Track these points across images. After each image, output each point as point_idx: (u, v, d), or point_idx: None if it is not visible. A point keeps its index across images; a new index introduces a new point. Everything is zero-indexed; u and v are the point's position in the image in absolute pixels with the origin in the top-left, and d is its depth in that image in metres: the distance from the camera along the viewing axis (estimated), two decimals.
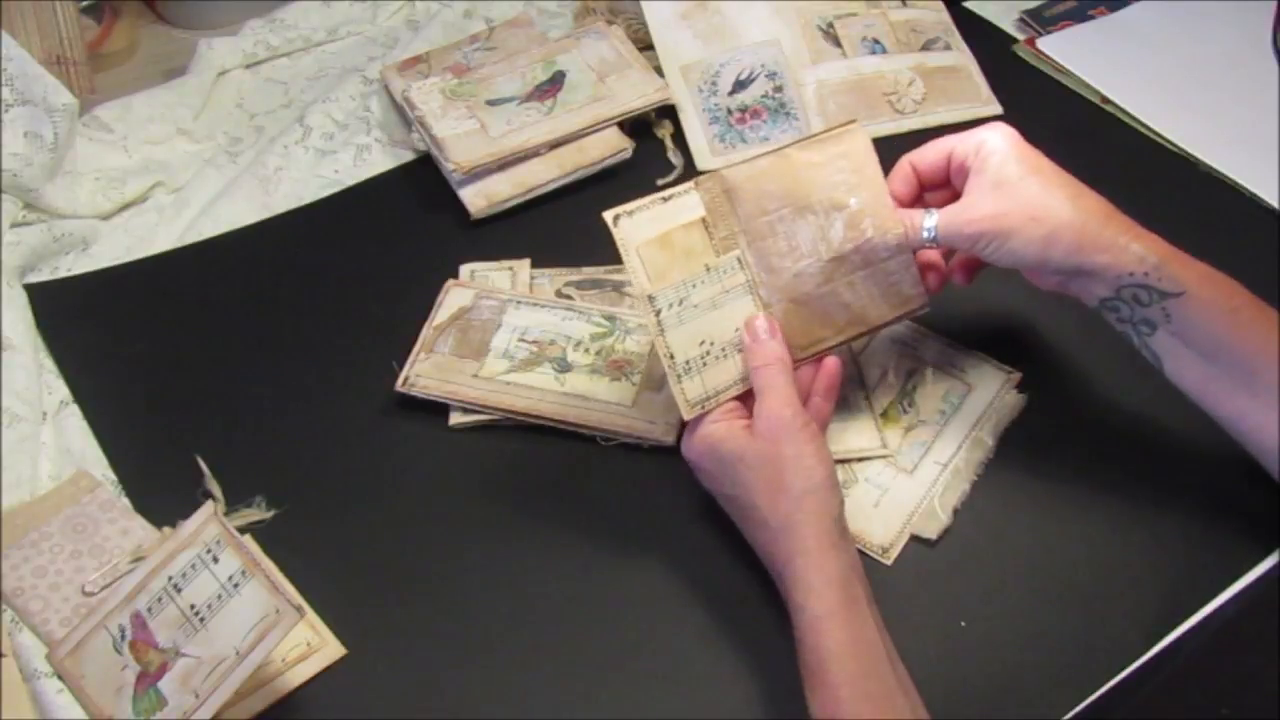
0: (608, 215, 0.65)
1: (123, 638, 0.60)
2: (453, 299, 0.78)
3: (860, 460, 0.70)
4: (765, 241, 0.66)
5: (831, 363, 0.67)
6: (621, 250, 0.64)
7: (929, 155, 0.68)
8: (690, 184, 0.66)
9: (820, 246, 0.67)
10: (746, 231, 0.66)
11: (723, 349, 0.65)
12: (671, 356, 0.64)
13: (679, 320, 0.65)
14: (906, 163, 0.69)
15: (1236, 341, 0.62)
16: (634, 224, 0.65)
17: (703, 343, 0.65)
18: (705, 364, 0.65)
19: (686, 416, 0.64)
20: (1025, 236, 0.63)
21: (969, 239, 0.64)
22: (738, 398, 0.65)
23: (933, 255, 0.70)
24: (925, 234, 0.66)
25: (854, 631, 0.57)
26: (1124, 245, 0.63)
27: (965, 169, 0.66)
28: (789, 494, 0.60)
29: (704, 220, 0.66)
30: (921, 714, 0.56)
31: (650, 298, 0.64)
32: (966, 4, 1.02)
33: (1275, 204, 0.85)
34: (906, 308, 0.68)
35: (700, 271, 0.65)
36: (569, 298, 0.79)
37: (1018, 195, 0.64)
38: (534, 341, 0.75)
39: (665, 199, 0.65)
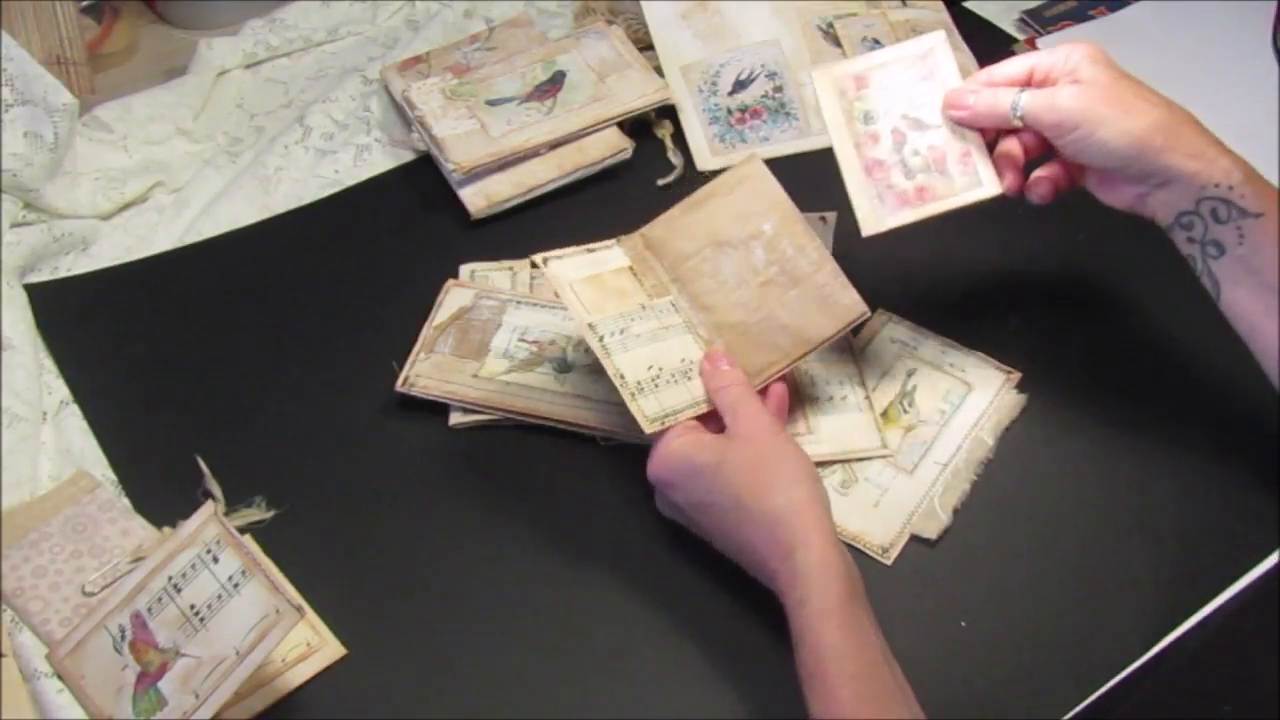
0: (537, 258, 0.69)
1: (123, 638, 0.60)
2: (453, 299, 0.78)
3: (860, 460, 0.70)
4: (694, 284, 0.69)
5: (778, 388, 0.68)
6: (555, 285, 0.67)
7: (1010, 70, 0.67)
8: (612, 241, 0.71)
9: (747, 276, 0.69)
10: (676, 279, 0.70)
11: (672, 375, 0.67)
12: (622, 376, 0.65)
13: (624, 346, 0.67)
14: (983, 74, 0.68)
15: None
16: (564, 265, 0.69)
17: (650, 367, 0.66)
18: (658, 385, 0.66)
19: (646, 430, 0.64)
20: (1117, 128, 0.62)
21: (1057, 121, 0.63)
22: (699, 419, 0.65)
23: (1013, 148, 0.68)
24: (1013, 110, 0.65)
25: (854, 630, 0.56)
26: (1213, 156, 0.62)
27: (1051, 80, 0.66)
28: (780, 485, 0.60)
29: (631, 269, 0.70)
30: (919, 715, 0.55)
31: (591, 325, 0.66)
32: (966, 4, 1.02)
33: None
34: (848, 317, 0.68)
35: (636, 309, 0.68)
36: None
37: (1111, 90, 0.63)
38: (534, 341, 0.75)
39: (590, 250, 0.70)
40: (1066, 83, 0.65)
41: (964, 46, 0.97)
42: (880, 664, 0.56)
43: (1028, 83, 0.67)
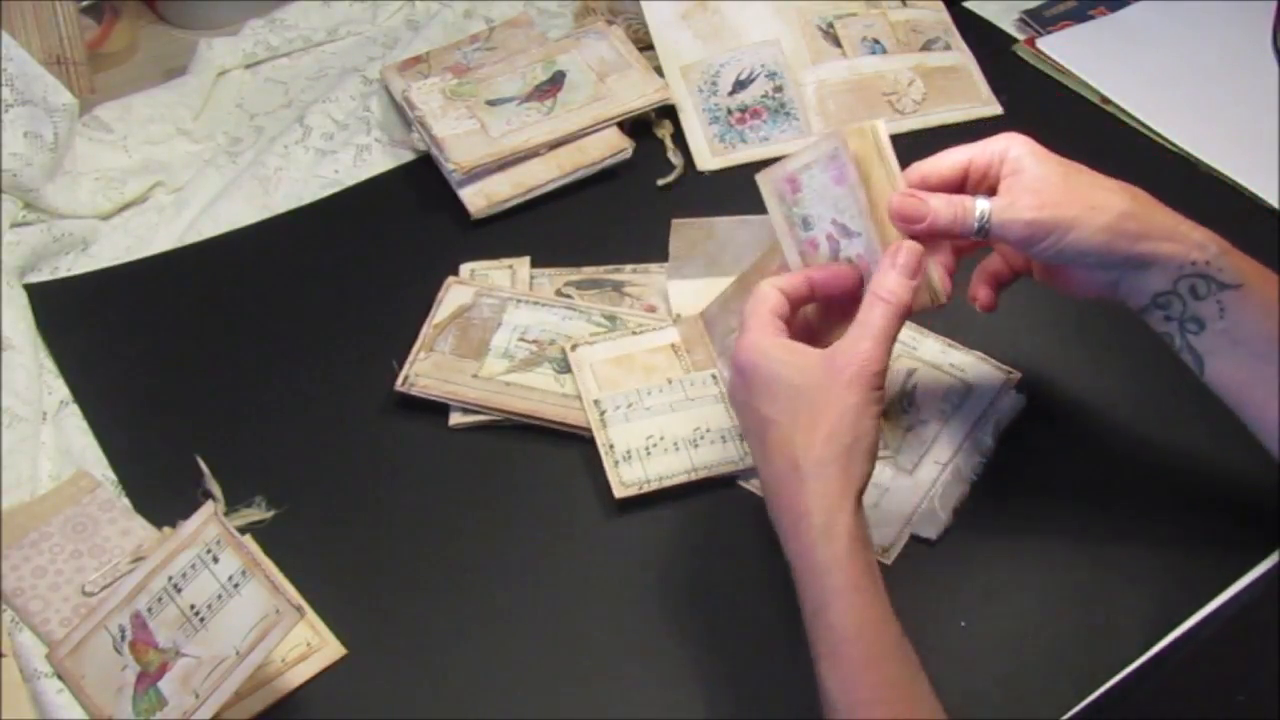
0: (566, 345, 0.73)
1: (123, 638, 0.60)
2: (453, 296, 0.78)
3: None
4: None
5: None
6: (575, 369, 0.72)
7: (943, 167, 0.63)
8: (670, 319, 0.74)
9: None
10: (722, 354, 0.72)
11: (674, 443, 0.69)
12: (611, 446, 0.69)
13: (625, 418, 0.70)
14: (916, 174, 0.63)
15: None
16: (592, 350, 0.73)
17: (650, 436, 0.69)
18: (649, 453, 0.69)
19: (617, 495, 0.67)
20: (1089, 226, 0.59)
21: (1024, 231, 0.59)
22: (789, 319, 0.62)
23: (998, 265, 0.67)
24: (976, 223, 0.60)
25: (878, 608, 0.54)
26: (1185, 233, 0.61)
27: (990, 177, 0.62)
28: (834, 441, 0.55)
29: (673, 346, 0.74)
30: (934, 700, 0.55)
31: (595, 400, 0.70)
32: (966, 4, 1.02)
33: (1275, 204, 0.85)
34: None
35: (661, 382, 0.71)
36: (569, 297, 0.79)
37: (1069, 189, 0.60)
38: (534, 341, 0.75)
39: (636, 332, 0.74)
40: (1012, 182, 0.61)
41: (964, 47, 0.97)
42: (904, 644, 0.54)
43: (964, 180, 0.62)
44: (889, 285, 0.58)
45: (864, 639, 0.53)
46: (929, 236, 0.61)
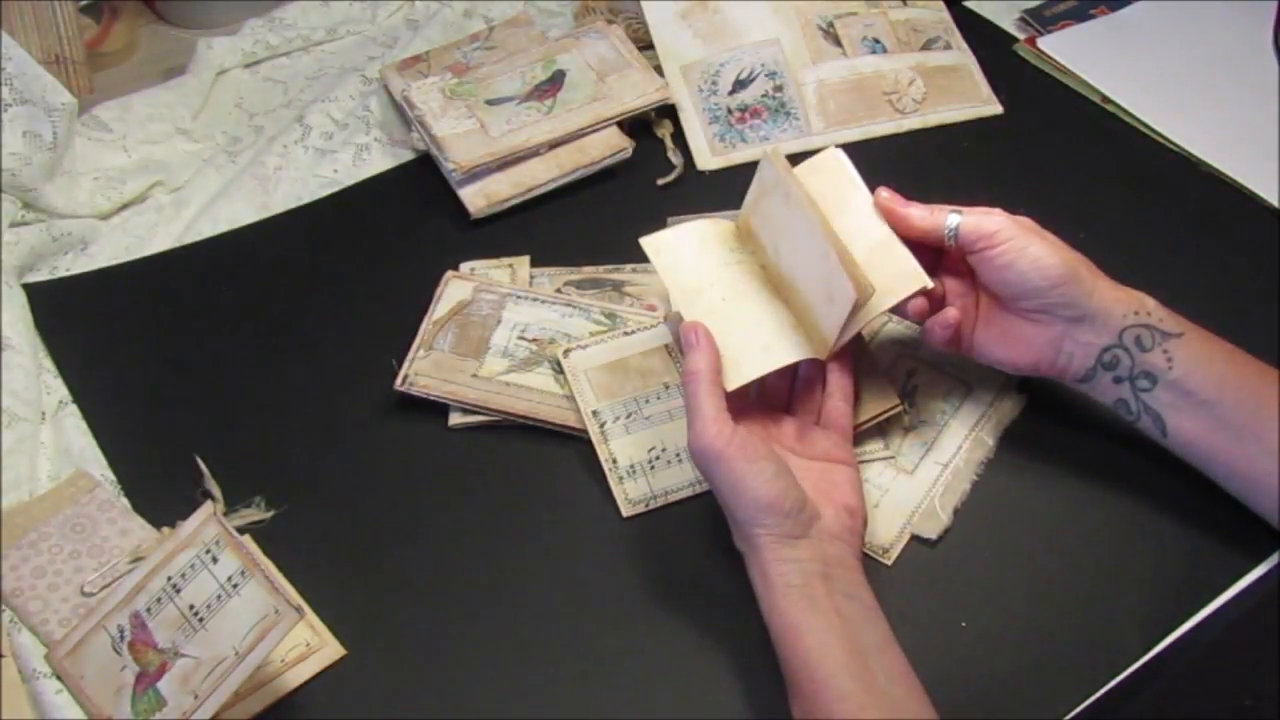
0: (558, 351, 0.72)
1: (122, 638, 0.60)
2: (452, 291, 0.77)
3: (861, 461, 0.70)
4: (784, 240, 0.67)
5: (841, 363, 0.67)
6: (570, 377, 0.71)
7: (919, 209, 0.67)
8: (661, 316, 0.73)
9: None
10: (768, 241, 0.68)
11: (676, 454, 0.69)
12: (614, 461, 0.69)
13: (625, 430, 0.70)
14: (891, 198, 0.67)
15: (1238, 379, 0.62)
16: (584, 355, 0.72)
17: (652, 449, 0.69)
18: (653, 467, 0.69)
19: (625, 514, 0.67)
20: (1049, 247, 0.63)
21: (993, 230, 0.63)
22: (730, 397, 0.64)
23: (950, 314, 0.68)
24: (947, 230, 0.65)
25: (819, 635, 0.57)
26: (1127, 289, 0.64)
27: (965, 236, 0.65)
28: (738, 517, 0.61)
29: (667, 348, 0.73)
30: (921, 701, 0.56)
31: (594, 412, 0.70)
32: (967, 3, 1.02)
33: (1275, 204, 0.85)
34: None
35: (658, 388, 0.70)
36: (568, 297, 0.79)
37: (1035, 227, 0.65)
38: (534, 339, 0.75)
39: (628, 333, 0.73)
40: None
41: (964, 46, 0.97)
42: (851, 663, 0.56)
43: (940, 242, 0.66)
44: (688, 365, 0.63)
45: (807, 672, 0.56)
46: (905, 225, 0.66)
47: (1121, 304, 0.63)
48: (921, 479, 0.69)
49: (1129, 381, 0.64)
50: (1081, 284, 0.63)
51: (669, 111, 0.91)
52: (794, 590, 0.58)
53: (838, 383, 0.67)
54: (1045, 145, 0.91)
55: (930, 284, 0.65)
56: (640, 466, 0.69)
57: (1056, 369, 0.66)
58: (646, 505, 0.68)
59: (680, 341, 0.65)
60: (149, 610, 0.60)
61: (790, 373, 0.68)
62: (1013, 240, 0.63)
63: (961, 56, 0.96)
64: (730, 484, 0.60)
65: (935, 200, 0.68)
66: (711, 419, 0.60)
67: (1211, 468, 0.64)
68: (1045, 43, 0.97)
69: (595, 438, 0.69)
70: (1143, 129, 0.91)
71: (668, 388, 0.71)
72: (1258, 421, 0.61)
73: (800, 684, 0.56)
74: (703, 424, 0.60)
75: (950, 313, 0.66)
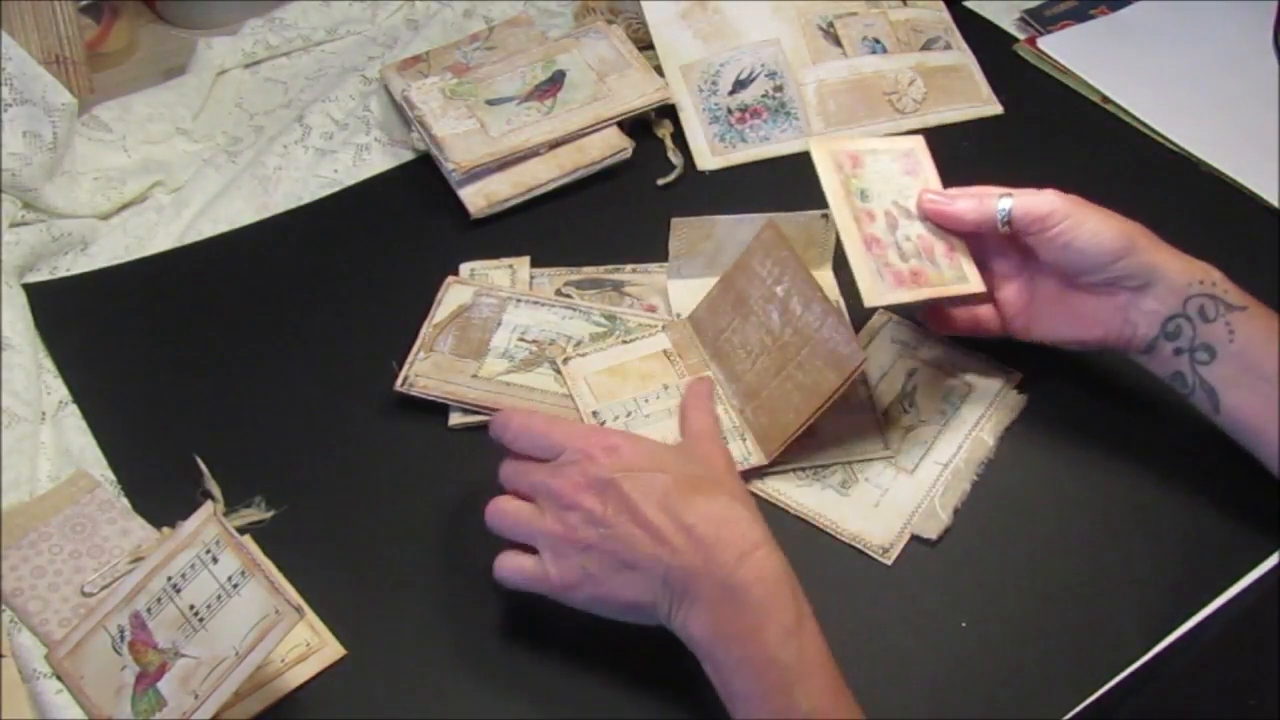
0: (558, 358, 0.72)
1: (122, 638, 0.60)
2: (452, 296, 0.78)
3: (861, 461, 0.70)
4: (728, 357, 0.71)
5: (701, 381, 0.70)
6: (569, 382, 0.71)
7: (985, 187, 0.67)
8: (659, 325, 0.74)
9: (766, 340, 0.69)
10: (715, 355, 0.72)
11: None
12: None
13: (625, 428, 0.69)
14: (957, 190, 0.68)
15: None
16: (584, 362, 0.72)
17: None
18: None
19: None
20: (1104, 225, 0.63)
21: (1047, 211, 0.63)
22: None
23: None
24: (999, 214, 0.65)
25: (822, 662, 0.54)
26: (1189, 257, 0.63)
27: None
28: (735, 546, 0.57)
29: (665, 353, 0.72)
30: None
31: (594, 412, 0.69)
32: (967, 3, 1.02)
33: (1275, 204, 0.85)
34: (849, 366, 0.66)
35: (657, 389, 0.71)
36: (568, 297, 0.79)
37: (1087, 203, 0.64)
38: (534, 341, 0.75)
39: (627, 341, 0.73)
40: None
41: (964, 46, 0.97)
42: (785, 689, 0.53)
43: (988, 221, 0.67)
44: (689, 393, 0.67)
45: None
46: (956, 224, 0.67)
47: (1187, 272, 0.63)
48: (921, 479, 0.69)
49: (1189, 354, 0.63)
50: (1142, 253, 0.62)
51: (669, 111, 0.91)
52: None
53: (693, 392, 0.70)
54: (1045, 145, 0.91)
55: (865, 359, 0.67)
56: None
57: (1123, 340, 0.65)
58: None
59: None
60: (149, 610, 0.60)
61: None
62: (1069, 218, 0.63)
63: (961, 56, 0.96)
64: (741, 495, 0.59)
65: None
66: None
67: (1260, 445, 0.63)
68: (1045, 43, 0.97)
69: None
70: (1143, 129, 0.91)
71: (666, 388, 0.71)
72: None
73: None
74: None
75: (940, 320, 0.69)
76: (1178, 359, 0.63)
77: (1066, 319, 0.66)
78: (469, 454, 0.72)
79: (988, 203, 0.65)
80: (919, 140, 0.72)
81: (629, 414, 0.70)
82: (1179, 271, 0.62)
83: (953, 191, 0.68)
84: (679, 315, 0.76)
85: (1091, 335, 0.66)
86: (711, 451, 0.63)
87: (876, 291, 0.64)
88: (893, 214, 0.68)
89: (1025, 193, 0.65)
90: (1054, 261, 0.65)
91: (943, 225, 0.68)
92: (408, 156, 0.91)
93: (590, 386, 0.71)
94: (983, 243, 0.69)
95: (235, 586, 0.58)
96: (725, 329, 0.71)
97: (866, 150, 0.69)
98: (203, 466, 0.70)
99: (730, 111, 0.91)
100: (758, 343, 0.70)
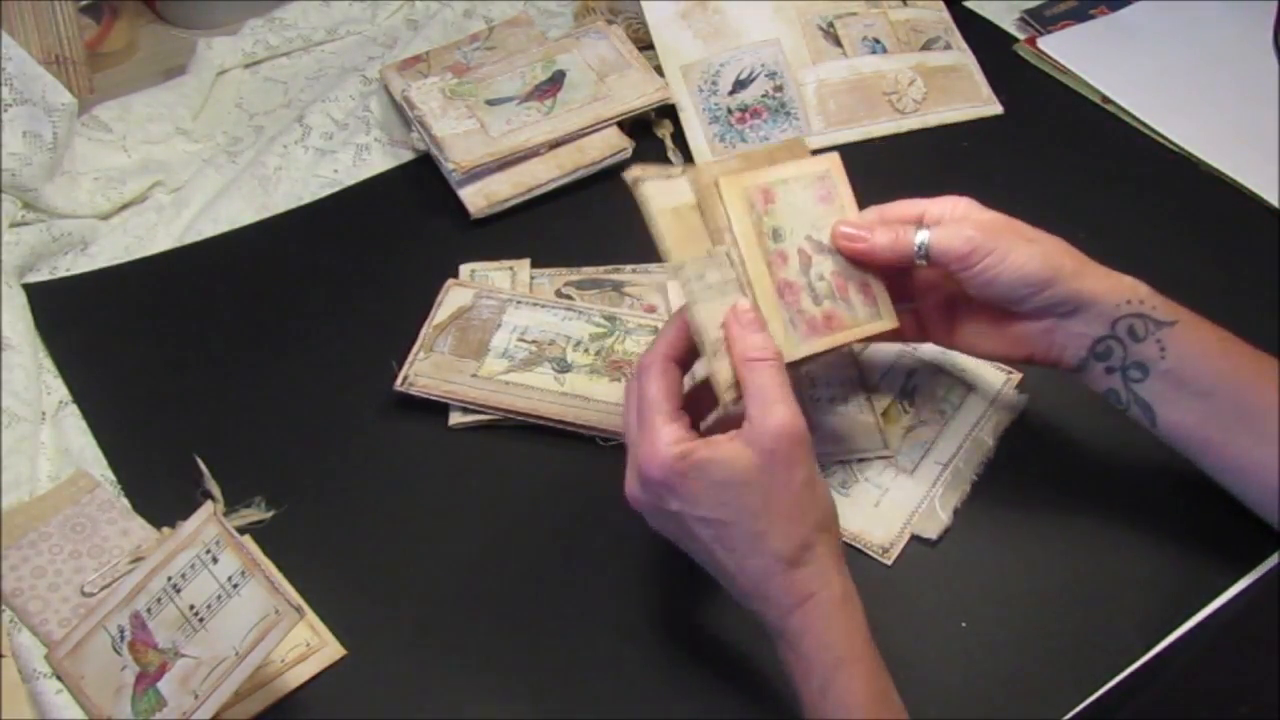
0: (628, 176, 0.60)
1: (122, 638, 0.60)
2: (453, 298, 0.78)
3: (861, 460, 0.70)
4: (752, 247, 0.62)
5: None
6: (647, 215, 0.60)
7: (900, 210, 0.64)
8: (679, 169, 0.62)
9: (806, 275, 0.63)
10: (737, 232, 0.62)
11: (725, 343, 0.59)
12: (703, 335, 0.58)
13: (703, 296, 0.59)
14: (873, 212, 0.65)
15: (1231, 370, 0.61)
16: (654, 190, 0.60)
17: (721, 327, 0.59)
18: (722, 354, 0.59)
19: (724, 399, 0.57)
20: (1029, 250, 0.60)
21: (968, 250, 0.61)
22: (689, 403, 0.59)
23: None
24: (916, 249, 0.62)
25: (879, 681, 0.53)
26: (1117, 275, 0.62)
27: (939, 224, 0.63)
28: (806, 522, 0.54)
29: (698, 205, 0.62)
30: None
31: (680, 267, 0.59)
32: (967, 3, 1.02)
33: (1275, 204, 0.85)
34: (880, 304, 0.64)
35: (704, 255, 0.61)
36: (569, 298, 0.79)
37: (1009, 225, 0.62)
38: (533, 341, 0.75)
39: (667, 176, 0.62)
40: (957, 220, 0.62)
41: (964, 46, 0.97)
42: (900, 711, 0.54)
43: (919, 224, 0.64)
44: (756, 344, 0.57)
45: (865, 710, 0.52)
46: (870, 258, 0.63)
47: (1114, 293, 0.61)
48: (921, 479, 0.69)
49: (1120, 372, 0.62)
50: (1068, 279, 0.61)
51: (669, 111, 0.91)
52: (865, 632, 0.54)
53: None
54: (1045, 145, 0.91)
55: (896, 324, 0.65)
56: (720, 344, 0.59)
57: (1050, 360, 0.64)
58: (734, 390, 0.57)
59: (733, 344, 0.58)
60: (149, 610, 0.60)
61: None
62: (991, 254, 0.60)
63: (961, 56, 0.96)
64: (805, 479, 0.54)
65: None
66: (794, 408, 0.55)
67: (1202, 458, 0.63)
68: (1045, 43, 0.97)
69: (689, 298, 0.59)
70: (1143, 129, 0.91)
71: (709, 254, 0.61)
72: (1252, 412, 0.60)
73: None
74: (789, 410, 0.54)
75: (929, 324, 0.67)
76: (1109, 377, 0.63)
77: (991, 338, 0.65)
78: (469, 454, 0.72)
79: (904, 238, 0.62)
80: (834, 160, 0.66)
81: (702, 276, 0.60)
82: (1106, 292, 0.61)
83: (869, 218, 0.64)
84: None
85: (1018, 354, 0.65)
86: (799, 481, 0.55)
87: (790, 345, 0.61)
88: (805, 251, 0.63)
89: (944, 225, 0.62)
90: (977, 295, 0.63)
91: (858, 261, 0.64)
92: (408, 156, 0.91)
93: (668, 230, 0.60)
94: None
95: (235, 586, 0.58)
96: (753, 226, 0.63)
97: (778, 181, 0.64)
98: (203, 466, 0.70)
99: (730, 111, 0.91)
100: (796, 269, 0.63)
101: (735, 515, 0.54)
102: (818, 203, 0.65)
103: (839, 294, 0.64)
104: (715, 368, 0.58)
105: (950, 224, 0.62)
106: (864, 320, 0.64)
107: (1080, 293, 0.61)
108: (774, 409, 0.54)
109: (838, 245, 0.64)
